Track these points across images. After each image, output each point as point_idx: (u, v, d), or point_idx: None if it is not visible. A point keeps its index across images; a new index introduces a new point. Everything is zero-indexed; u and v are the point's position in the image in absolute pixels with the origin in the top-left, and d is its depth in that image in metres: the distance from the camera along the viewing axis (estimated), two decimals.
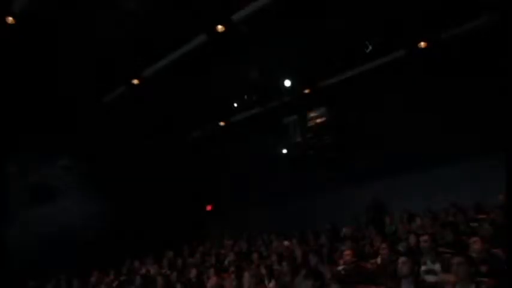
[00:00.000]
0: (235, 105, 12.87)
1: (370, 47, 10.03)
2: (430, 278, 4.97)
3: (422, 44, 9.81)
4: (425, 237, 5.66)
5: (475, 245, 5.16)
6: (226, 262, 9.25)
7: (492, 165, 8.12)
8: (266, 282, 6.39)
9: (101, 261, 10.35)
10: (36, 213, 11.92)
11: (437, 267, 5.21)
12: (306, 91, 12.15)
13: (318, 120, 12.22)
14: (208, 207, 15.73)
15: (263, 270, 6.70)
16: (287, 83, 11.67)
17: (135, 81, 11.64)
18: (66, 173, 12.77)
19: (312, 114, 12.33)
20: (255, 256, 8.37)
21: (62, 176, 12.71)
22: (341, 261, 6.37)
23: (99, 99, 12.41)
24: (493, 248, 5.28)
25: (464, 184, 9.84)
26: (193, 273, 7.77)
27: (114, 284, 8.78)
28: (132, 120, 13.04)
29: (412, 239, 6.65)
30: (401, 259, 4.67)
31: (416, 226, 8.23)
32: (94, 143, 12.64)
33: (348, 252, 6.13)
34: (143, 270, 9.77)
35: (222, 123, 14.03)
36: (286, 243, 9.46)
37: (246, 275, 6.09)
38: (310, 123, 12.36)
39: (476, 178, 9.67)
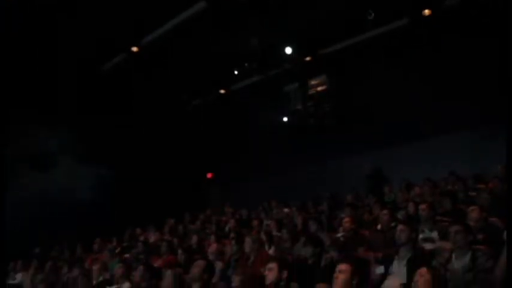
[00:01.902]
0: (236, 73, 12.78)
1: (373, 15, 9.88)
2: (428, 246, 5.05)
3: (427, 12, 9.65)
4: (423, 206, 5.73)
5: (473, 213, 5.22)
6: (226, 229, 9.37)
7: (492, 135, 8.17)
8: (266, 248, 6.50)
9: (103, 228, 10.50)
10: (36, 182, 12.02)
11: (435, 235, 5.30)
12: (307, 59, 12.04)
13: (319, 88, 12.16)
14: (209, 175, 15.83)
15: (263, 237, 6.79)
16: (288, 50, 11.55)
17: (135, 49, 11.53)
18: (66, 142, 12.81)
19: (313, 82, 12.25)
20: (255, 223, 8.48)
21: (61, 145, 12.74)
22: (340, 229, 6.46)
23: (99, 68, 12.32)
24: (490, 217, 5.34)
25: (463, 154, 9.89)
26: (194, 239, 7.89)
27: (117, 251, 8.93)
28: (132, 89, 12.98)
29: (411, 207, 6.73)
30: (400, 227, 4.75)
31: (415, 195, 8.31)
32: (94, 112, 12.62)
33: (347, 219, 6.20)
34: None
35: (222, 91, 13.96)
36: (286, 210, 9.58)
37: (247, 241, 6.18)
38: (311, 91, 12.30)
39: (476, 148, 9.72)
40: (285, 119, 13.13)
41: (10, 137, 11.12)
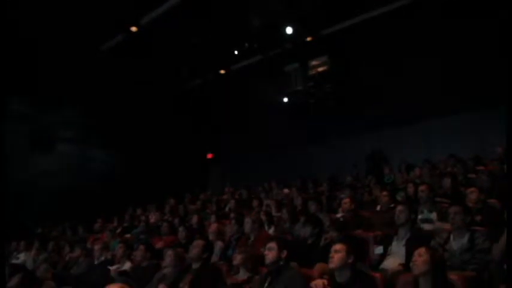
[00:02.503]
0: (236, 52, 12.69)
1: None
2: (427, 227, 5.09)
3: None
4: (423, 187, 5.75)
5: (472, 195, 5.25)
6: (226, 209, 9.43)
7: (492, 118, 8.16)
8: (266, 228, 6.54)
9: (104, 209, 10.58)
10: (37, 162, 12.05)
11: (433, 216, 5.32)
12: (308, 39, 11.94)
13: (320, 69, 12.09)
14: (209, 156, 15.86)
15: (263, 217, 6.84)
16: (289, 30, 11.45)
17: (133, 29, 11.43)
18: (67, 123, 12.81)
19: (314, 63, 12.18)
20: (255, 203, 8.52)
21: (62, 126, 12.74)
22: (340, 209, 6.49)
23: (98, 47, 12.24)
24: (489, 199, 5.37)
25: (463, 136, 9.89)
26: (194, 219, 7.94)
27: (118, 231, 9.00)
28: (132, 69, 12.91)
29: (410, 189, 6.75)
30: (399, 207, 4.77)
31: (414, 176, 8.33)
32: (94, 92, 12.58)
33: (346, 200, 6.23)
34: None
35: (222, 72, 13.89)
36: (286, 190, 9.62)
37: (247, 221, 6.22)
38: (312, 72, 12.23)
39: (476, 130, 9.71)
40: (286, 99, 13.09)
41: (11, 118, 11.13)
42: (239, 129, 14.11)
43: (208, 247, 5.06)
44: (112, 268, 5.63)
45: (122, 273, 5.40)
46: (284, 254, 3.78)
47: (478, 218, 4.83)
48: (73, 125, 13.03)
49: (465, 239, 4.01)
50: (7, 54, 10.14)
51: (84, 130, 13.13)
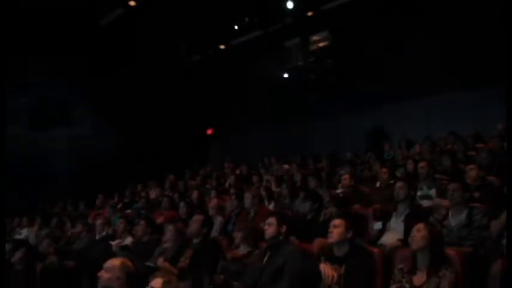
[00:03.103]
0: (236, 28, 12.55)
1: None
2: (425, 203, 5.12)
3: None
4: (422, 164, 5.77)
5: (471, 172, 5.27)
6: (227, 184, 9.47)
7: (492, 95, 8.13)
8: (266, 203, 6.59)
9: (105, 185, 10.63)
10: (37, 140, 12.06)
11: (432, 192, 5.36)
12: (309, 14, 11.80)
13: (320, 44, 11.97)
14: (209, 131, 15.85)
15: (263, 193, 6.88)
16: (289, 4, 11.31)
17: (132, 3, 11.28)
18: (66, 99, 12.76)
19: (315, 38, 12.04)
20: (255, 179, 8.57)
21: (61, 103, 12.70)
22: (339, 185, 6.53)
23: (97, 22, 12.10)
24: (488, 176, 5.39)
25: (463, 113, 9.87)
26: (194, 195, 7.98)
27: (118, 206, 9.06)
28: (131, 45, 12.79)
29: (410, 165, 6.77)
30: (399, 184, 4.80)
31: (414, 153, 8.35)
32: (94, 67, 12.49)
33: (346, 176, 6.26)
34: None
35: (222, 47, 13.76)
36: (286, 166, 9.65)
37: (247, 196, 6.26)
38: (312, 47, 12.11)
39: (476, 107, 9.69)
40: (286, 75, 13.01)
41: (11, 94, 11.08)
42: (239, 105, 14.06)
43: (208, 222, 5.10)
44: (113, 243, 5.69)
45: (123, 248, 5.46)
46: (283, 229, 3.81)
47: (477, 195, 4.85)
48: (73, 103, 12.99)
49: (463, 216, 4.04)
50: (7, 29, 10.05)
51: (85, 107, 13.10)
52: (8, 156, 7.66)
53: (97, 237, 6.48)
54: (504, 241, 3.32)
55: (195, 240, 4.73)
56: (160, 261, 4.65)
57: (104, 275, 3.10)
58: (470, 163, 5.72)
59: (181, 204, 7.04)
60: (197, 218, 4.80)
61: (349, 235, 3.53)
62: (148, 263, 4.71)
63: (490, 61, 8.50)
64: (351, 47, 11.63)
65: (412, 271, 3.09)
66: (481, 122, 9.20)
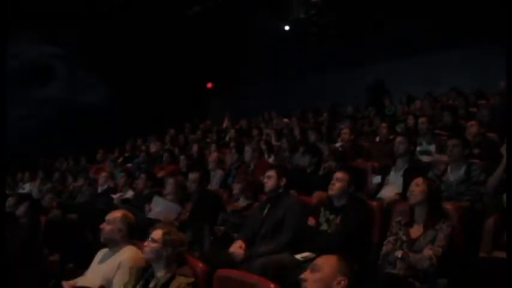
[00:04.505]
0: None
1: None
2: (425, 158, 5.14)
3: None
4: (423, 119, 5.75)
5: (472, 128, 5.25)
6: (227, 138, 9.49)
7: (494, 52, 7.99)
8: (266, 157, 6.62)
9: (105, 140, 10.64)
10: (37, 95, 11.98)
11: (432, 148, 5.37)
12: None
13: None
14: (209, 85, 15.72)
15: (263, 146, 6.91)
16: None
17: None
18: (66, 53, 12.59)
19: None
20: (255, 132, 8.57)
21: (61, 57, 12.53)
22: (339, 139, 6.54)
23: None
24: (489, 133, 5.38)
25: (466, 69, 9.77)
26: (194, 149, 8.01)
27: (119, 161, 9.11)
28: None
29: (410, 120, 6.76)
30: (399, 138, 4.80)
31: (415, 108, 8.31)
32: (93, 21, 12.23)
33: (346, 130, 6.26)
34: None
35: None
36: (286, 120, 9.64)
37: (247, 150, 6.29)
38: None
39: (479, 64, 9.57)
40: (287, 27, 12.77)
41: (9, 49, 10.90)
42: (239, 58, 13.87)
43: (205, 177, 5.15)
44: (115, 196, 5.76)
45: (125, 201, 5.54)
46: (283, 181, 3.82)
47: (476, 151, 4.87)
48: (73, 56, 12.81)
49: (462, 171, 4.06)
50: None
51: (84, 60, 12.93)
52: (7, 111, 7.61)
53: (99, 190, 6.54)
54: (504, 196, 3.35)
55: (195, 194, 4.80)
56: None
57: (106, 227, 3.15)
58: (471, 119, 5.69)
59: (182, 158, 7.08)
60: (194, 176, 4.81)
61: (350, 190, 3.57)
62: (149, 216, 4.78)
63: (492, 17, 8.31)
64: (354, 0, 11.36)
65: (410, 224, 3.13)
66: (484, 78, 9.10)
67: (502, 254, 2.97)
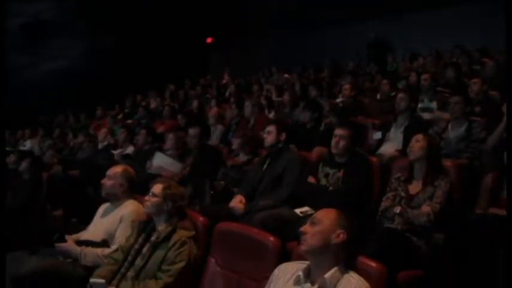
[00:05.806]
0: None
1: None
2: (426, 116, 5.12)
3: None
4: (425, 76, 5.70)
5: (474, 86, 5.20)
6: (227, 94, 9.44)
7: (500, 10, 7.80)
8: (266, 112, 6.60)
9: (104, 96, 10.59)
10: (36, 53, 11.82)
11: (433, 105, 5.34)
12: None
13: None
14: (209, 40, 15.48)
15: (263, 101, 6.88)
16: None
17: None
18: (63, 10, 12.32)
19: None
20: (255, 88, 8.52)
21: (58, 13, 12.27)
22: (340, 95, 6.50)
23: None
24: (491, 90, 5.33)
25: (470, 27, 9.57)
26: (194, 104, 7.99)
27: (119, 117, 9.09)
28: None
29: (413, 77, 6.70)
30: (400, 95, 4.75)
31: (418, 65, 8.22)
32: None
33: (347, 86, 6.21)
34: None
35: None
36: (286, 76, 9.56)
37: (247, 105, 6.26)
38: None
39: (484, 21, 9.37)
40: None
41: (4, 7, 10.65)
42: (239, 13, 13.59)
43: (205, 132, 5.14)
44: (115, 152, 5.77)
45: (125, 157, 5.56)
46: (283, 136, 3.81)
47: (478, 109, 4.84)
48: (71, 13, 12.55)
49: (462, 129, 4.06)
50: None
51: (83, 17, 12.67)
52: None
53: (99, 146, 6.55)
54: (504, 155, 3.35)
55: (195, 149, 4.81)
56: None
57: (107, 182, 3.18)
58: (475, 77, 5.63)
59: (179, 116, 7.02)
60: (194, 132, 4.79)
61: (352, 146, 3.54)
62: (150, 171, 4.81)
63: None
64: None
65: (409, 180, 3.15)
66: (488, 36, 8.92)
67: (497, 211, 3.01)
